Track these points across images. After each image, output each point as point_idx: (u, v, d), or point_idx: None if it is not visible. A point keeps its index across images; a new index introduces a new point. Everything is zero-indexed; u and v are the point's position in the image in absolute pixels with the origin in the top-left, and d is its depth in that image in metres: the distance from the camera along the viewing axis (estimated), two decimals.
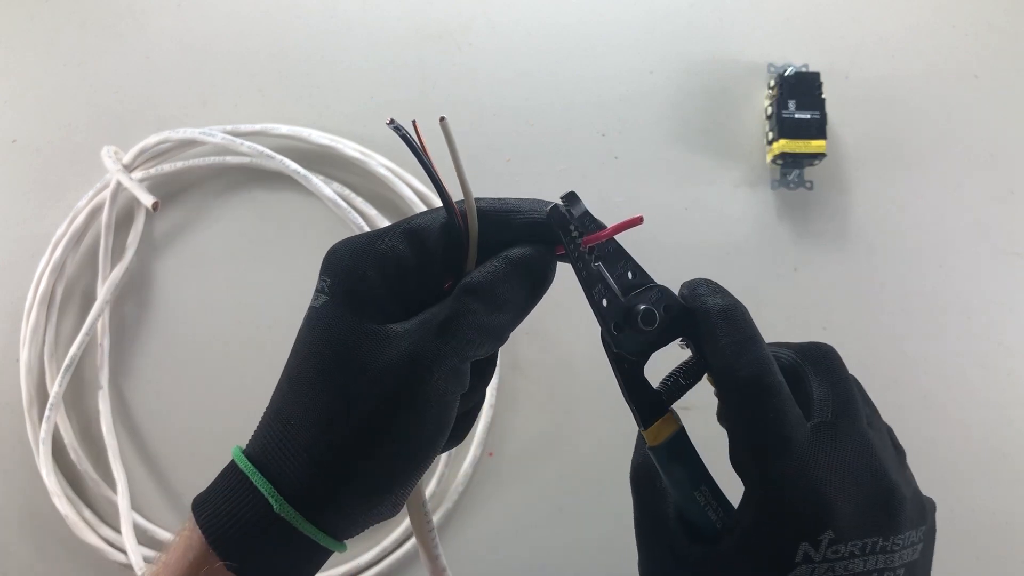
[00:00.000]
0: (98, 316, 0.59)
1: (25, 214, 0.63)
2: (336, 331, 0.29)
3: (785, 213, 0.62)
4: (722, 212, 0.62)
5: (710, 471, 0.30)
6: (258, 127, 0.61)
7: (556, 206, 0.31)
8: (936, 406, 0.60)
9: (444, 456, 0.58)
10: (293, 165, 0.59)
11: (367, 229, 0.60)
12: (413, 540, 0.58)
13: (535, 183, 0.62)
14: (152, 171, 0.61)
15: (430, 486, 0.58)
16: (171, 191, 0.63)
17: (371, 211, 0.60)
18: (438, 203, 0.61)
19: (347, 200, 0.60)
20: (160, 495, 0.60)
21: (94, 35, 0.65)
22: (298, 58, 0.64)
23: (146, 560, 0.56)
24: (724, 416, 0.30)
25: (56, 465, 0.59)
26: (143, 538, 0.58)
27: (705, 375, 0.31)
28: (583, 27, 0.64)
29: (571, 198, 0.31)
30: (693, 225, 0.62)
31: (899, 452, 0.30)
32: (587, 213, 0.31)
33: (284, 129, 0.61)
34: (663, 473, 0.30)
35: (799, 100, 0.59)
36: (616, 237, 0.31)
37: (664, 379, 0.31)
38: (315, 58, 0.64)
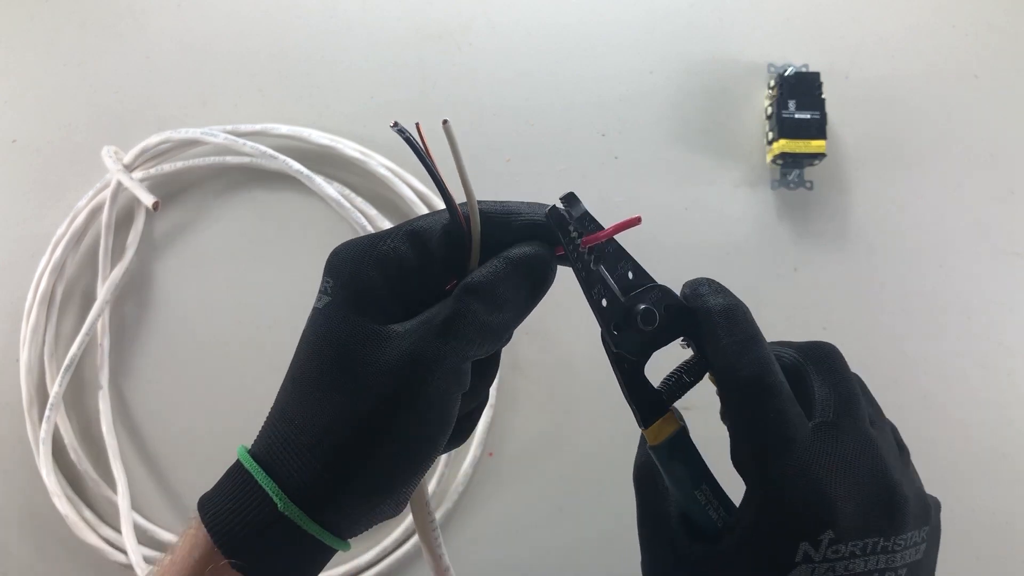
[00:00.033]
0: (98, 316, 0.59)
1: (25, 214, 0.63)
2: (338, 332, 0.29)
3: (785, 213, 0.62)
4: (722, 212, 0.62)
5: (713, 470, 0.30)
6: (258, 127, 0.61)
7: (555, 207, 0.31)
8: (936, 406, 0.60)
9: (444, 456, 0.58)
10: (296, 165, 0.60)
11: (370, 228, 0.60)
12: (413, 540, 0.58)
13: (535, 183, 0.62)
14: (152, 171, 0.61)
15: (430, 486, 0.58)
16: (171, 191, 0.63)
17: (371, 211, 0.61)
18: (439, 203, 0.61)
19: (348, 200, 0.60)
20: (160, 495, 0.60)
21: (94, 35, 0.65)
22: (298, 58, 0.64)
23: (146, 560, 0.56)
24: (726, 415, 0.30)
25: (56, 465, 0.59)
26: (143, 538, 0.58)
27: (707, 374, 0.31)
28: (583, 27, 0.64)
29: (570, 199, 0.31)
30: (693, 225, 0.62)
31: (903, 451, 0.30)
32: (586, 214, 0.31)
33: (284, 129, 0.61)
34: (664, 472, 0.30)
35: (799, 100, 0.60)
36: (616, 237, 0.31)
37: (665, 379, 0.31)
38: (315, 58, 0.64)
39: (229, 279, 0.62)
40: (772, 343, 0.31)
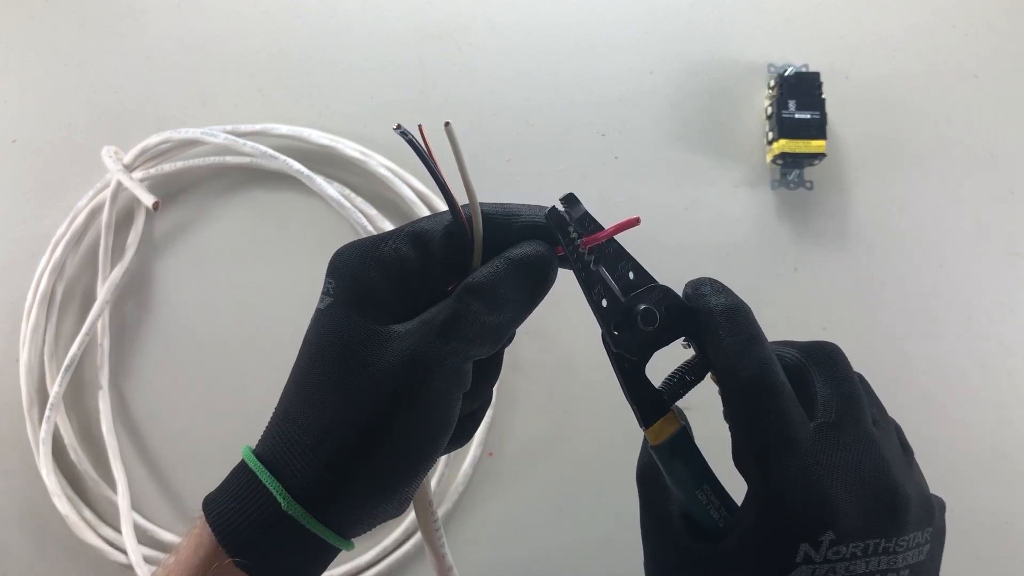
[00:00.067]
0: (98, 316, 0.59)
1: (25, 214, 0.63)
2: (340, 332, 0.29)
3: (785, 213, 0.62)
4: (722, 212, 0.62)
5: (715, 470, 0.30)
6: (258, 127, 0.61)
7: (554, 208, 0.31)
8: (936, 406, 0.60)
9: (444, 456, 0.58)
10: (296, 165, 0.60)
11: (370, 228, 0.60)
12: (413, 540, 0.59)
13: (535, 183, 0.62)
14: (152, 171, 0.61)
15: (430, 486, 0.58)
16: (171, 191, 0.63)
17: (372, 211, 0.61)
18: (439, 203, 0.61)
19: (348, 200, 0.60)
20: (160, 495, 0.60)
21: (94, 35, 0.65)
22: (298, 58, 0.64)
23: (146, 560, 0.56)
24: (728, 416, 0.30)
25: (56, 465, 0.59)
26: (143, 538, 0.58)
27: (709, 374, 0.31)
28: (583, 27, 0.64)
29: (570, 200, 0.31)
30: (693, 225, 0.62)
31: (907, 451, 0.30)
32: (586, 214, 0.31)
33: (284, 129, 0.61)
34: (665, 472, 0.30)
35: (799, 100, 0.60)
36: (616, 238, 0.31)
37: (666, 378, 0.31)
38: (315, 58, 0.64)
39: (229, 279, 0.62)
40: (774, 343, 0.31)
